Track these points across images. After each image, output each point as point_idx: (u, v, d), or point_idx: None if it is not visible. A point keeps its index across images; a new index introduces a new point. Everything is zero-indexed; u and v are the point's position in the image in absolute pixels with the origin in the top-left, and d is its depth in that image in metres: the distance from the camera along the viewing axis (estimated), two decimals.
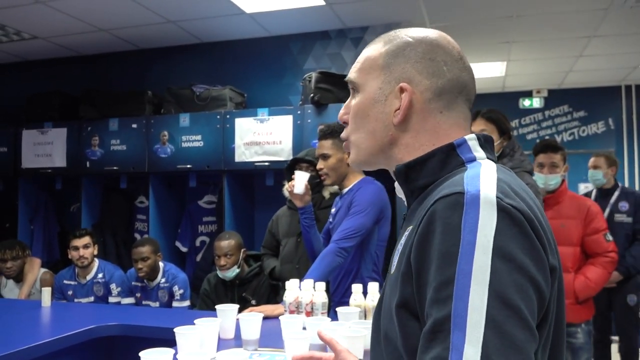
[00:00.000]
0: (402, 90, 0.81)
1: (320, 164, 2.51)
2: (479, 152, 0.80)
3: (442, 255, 0.64)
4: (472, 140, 0.80)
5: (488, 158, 0.80)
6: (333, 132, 2.50)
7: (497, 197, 0.66)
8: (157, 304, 3.30)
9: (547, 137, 6.21)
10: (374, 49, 0.87)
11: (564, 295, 0.77)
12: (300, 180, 2.41)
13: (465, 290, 0.61)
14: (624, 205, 3.70)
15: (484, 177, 0.70)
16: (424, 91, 0.81)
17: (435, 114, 0.82)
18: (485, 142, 0.81)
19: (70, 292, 3.43)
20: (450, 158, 0.79)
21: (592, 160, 3.91)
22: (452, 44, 0.85)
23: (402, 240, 0.77)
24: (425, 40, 0.83)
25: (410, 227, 0.76)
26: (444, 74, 0.81)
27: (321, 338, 1.15)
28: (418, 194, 0.81)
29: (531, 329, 0.61)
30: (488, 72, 5.52)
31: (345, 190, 2.52)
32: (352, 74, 0.88)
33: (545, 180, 2.78)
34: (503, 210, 0.65)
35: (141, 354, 1.36)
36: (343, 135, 0.91)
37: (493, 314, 0.60)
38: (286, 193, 2.91)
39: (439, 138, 0.81)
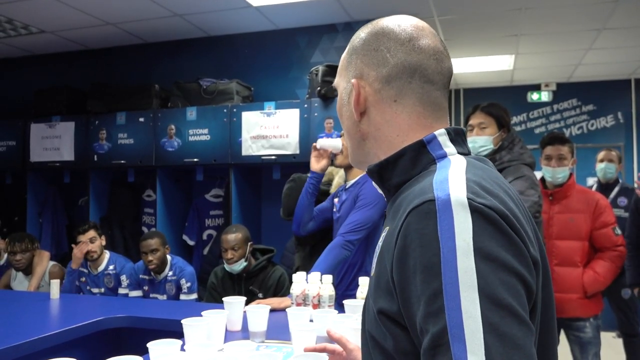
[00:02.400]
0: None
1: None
2: (449, 148, 0.79)
3: (424, 267, 0.63)
4: (442, 135, 0.79)
5: (459, 152, 0.79)
6: None
7: (468, 199, 0.65)
8: (164, 297, 3.32)
9: (555, 131, 6.18)
10: (345, 51, 0.89)
11: (552, 283, 0.77)
12: (334, 142, 2.41)
13: (456, 298, 0.60)
14: (623, 201, 3.77)
15: (453, 179, 0.68)
16: (372, 82, 0.81)
17: (390, 103, 0.81)
18: (456, 136, 0.80)
19: (82, 279, 3.46)
20: (421, 155, 0.78)
21: (604, 153, 3.92)
22: (401, 28, 0.82)
23: (380, 243, 0.76)
24: (371, 32, 0.84)
25: (387, 228, 0.75)
26: (387, 61, 0.80)
27: (330, 336, 1.15)
28: (394, 192, 0.81)
29: (527, 324, 0.61)
30: (496, 65, 5.48)
31: (351, 182, 2.52)
32: (335, 79, 0.92)
33: (553, 173, 2.76)
34: (476, 211, 0.64)
35: (149, 344, 1.37)
36: None
37: (488, 318, 0.58)
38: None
39: (401, 128, 0.81)
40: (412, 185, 0.75)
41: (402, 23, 0.83)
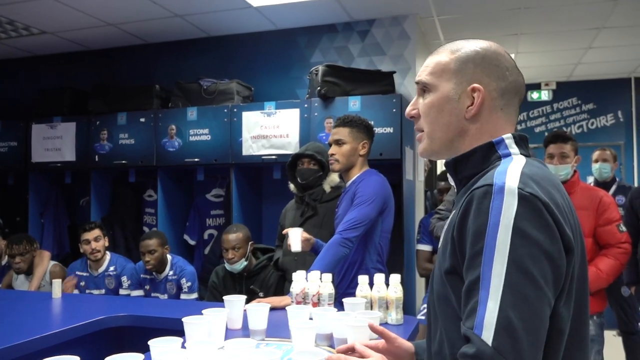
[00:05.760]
0: (474, 90, 0.98)
1: (332, 150, 2.54)
2: (513, 149, 0.98)
3: (474, 232, 0.84)
4: (508, 139, 0.99)
5: (521, 153, 0.97)
6: (353, 122, 2.55)
7: (518, 188, 0.84)
8: (165, 297, 3.33)
9: (555, 130, 6.17)
10: (443, 56, 1.03)
11: (587, 268, 0.95)
12: (294, 238, 2.38)
13: (490, 259, 0.81)
14: (621, 199, 3.78)
15: (510, 172, 0.87)
16: (491, 91, 0.99)
17: (497, 110, 1.00)
18: (520, 140, 0.99)
19: (82, 283, 3.47)
20: (490, 154, 0.98)
21: (599, 153, 3.96)
22: (508, 54, 1.04)
23: (448, 220, 0.98)
24: (490, 50, 1.01)
25: (454, 211, 0.95)
26: (506, 77, 1.00)
27: (374, 330, 1.20)
28: (465, 182, 1.00)
29: (542, 289, 0.80)
30: None
31: (349, 182, 2.54)
32: (424, 77, 1.04)
33: (555, 171, 2.74)
34: (523, 198, 0.83)
35: (150, 342, 1.38)
36: (417, 127, 1.06)
37: (510, 277, 0.79)
38: (291, 187, 2.93)
39: (496, 130, 1.00)
40: (481, 176, 0.94)
41: (504, 49, 1.04)
